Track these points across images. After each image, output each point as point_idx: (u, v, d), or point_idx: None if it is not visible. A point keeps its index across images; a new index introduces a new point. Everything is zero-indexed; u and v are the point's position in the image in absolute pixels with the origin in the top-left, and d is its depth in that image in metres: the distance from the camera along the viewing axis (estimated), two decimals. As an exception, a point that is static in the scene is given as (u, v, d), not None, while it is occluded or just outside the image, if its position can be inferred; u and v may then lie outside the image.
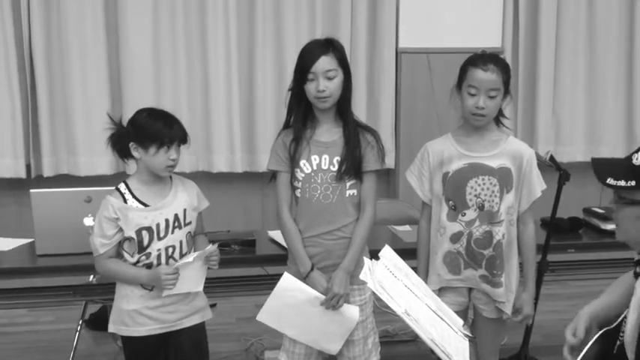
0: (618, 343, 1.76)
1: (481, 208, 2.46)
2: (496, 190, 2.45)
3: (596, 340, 1.82)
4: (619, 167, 1.71)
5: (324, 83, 2.34)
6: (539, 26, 4.60)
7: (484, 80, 2.37)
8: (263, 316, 2.42)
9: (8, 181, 4.24)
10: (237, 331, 3.88)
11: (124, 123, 2.43)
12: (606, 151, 4.78)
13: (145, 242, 2.37)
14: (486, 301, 2.55)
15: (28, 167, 4.24)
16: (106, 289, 3.03)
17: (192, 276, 2.40)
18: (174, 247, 2.41)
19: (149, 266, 2.39)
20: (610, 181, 1.69)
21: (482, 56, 2.42)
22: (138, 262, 2.39)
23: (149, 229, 2.37)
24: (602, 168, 1.74)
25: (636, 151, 1.69)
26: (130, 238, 2.37)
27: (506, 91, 2.44)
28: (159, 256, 2.39)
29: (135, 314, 2.42)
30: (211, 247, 2.41)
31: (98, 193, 2.77)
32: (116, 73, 4.28)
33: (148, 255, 2.39)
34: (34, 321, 4.06)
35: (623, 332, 1.74)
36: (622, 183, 1.67)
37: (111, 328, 2.48)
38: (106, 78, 4.25)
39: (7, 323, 4.01)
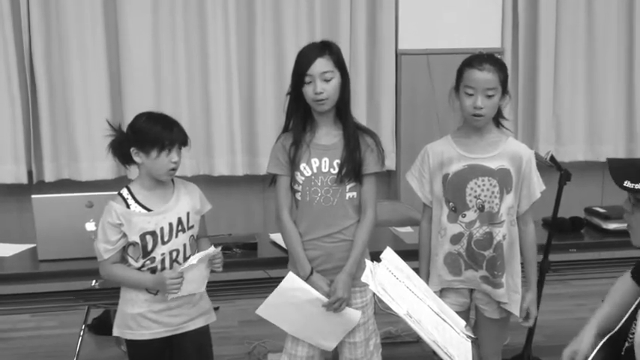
0: (627, 345, 1.75)
1: (481, 209, 2.47)
2: (496, 191, 2.45)
3: (601, 347, 1.81)
4: (636, 169, 1.69)
5: (321, 85, 2.34)
6: (538, 26, 4.60)
7: (480, 80, 2.38)
8: (263, 310, 2.43)
9: (10, 187, 4.24)
10: (239, 334, 3.88)
11: (124, 129, 2.43)
12: (607, 150, 4.78)
13: (149, 247, 2.38)
14: (488, 301, 2.55)
15: (29, 173, 4.25)
16: (109, 293, 3.04)
17: (195, 278, 2.40)
18: (178, 250, 2.41)
19: (154, 270, 2.39)
20: (627, 184, 1.67)
21: (477, 57, 2.43)
22: (142, 266, 2.40)
23: (153, 233, 2.37)
24: (619, 170, 1.71)
25: None
26: (134, 243, 2.37)
27: (504, 91, 2.45)
28: (163, 260, 2.40)
29: (140, 318, 2.42)
30: (214, 249, 2.41)
31: (99, 198, 2.78)
32: (116, 78, 4.28)
33: (153, 259, 2.39)
34: (36, 326, 4.06)
35: (632, 334, 1.73)
36: None
37: (115, 332, 2.48)
38: (106, 83, 4.26)
39: (10, 329, 4.01)
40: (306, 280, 2.41)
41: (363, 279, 1.81)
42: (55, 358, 3.68)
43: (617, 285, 1.99)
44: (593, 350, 1.81)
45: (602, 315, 1.94)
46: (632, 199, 1.73)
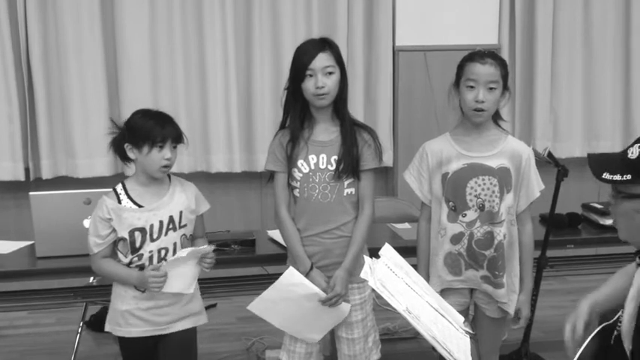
0: (615, 333, 1.77)
1: (481, 208, 2.45)
2: (496, 190, 2.44)
3: (595, 335, 1.82)
4: (614, 162, 1.71)
5: (323, 79, 2.34)
6: (535, 22, 4.61)
7: (483, 73, 2.37)
8: (255, 305, 2.42)
9: (7, 184, 4.23)
10: (237, 331, 3.88)
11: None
12: (604, 145, 4.78)
13: (138, 243, 2.37)
14: (489, 301, 2.54)
15: (26, 170, 4.24)
16: (107, 290, 3.02)
17: (183, 274, 2.38)
18: (167, 249, 2.41)
19: (142, 267, 2.39)
20: (606, 175, 1.70)
21: (478, 52, 2.42)
22: (130, 262, 2.39)
23: (142, 229, 2.37)
24: (598, 163, 1.74)
25: (631, 145, 1.69)
26: (123, 239, 2.37)
27: (505, 87, 2.44)
28: (151, 258, 2.39)
29: (127, 315, 2.42)
30: (207, 247, 2.40)
31: (97, 194, 2.76)
32: (113, 75, 4.27)
33: (140, 256, 2.39)
34: (34, 323, 4.06)
35: (620, 322, 1.75)
36: (617, 177, 1.68)
37: (107, 328, 2.50)
38: (103, 80, 4.25)
39: (8, 326, 4.01)
40: (306, 276, 2.41)
41: (362, 275, 1.81)
42: (52, 355, 3.67)
43: (620, 271, 2.00)
44: (586, 340, 1.82)
45: (600, 293, 1.94)
46: (613, 192, 1.75)
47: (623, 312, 1.74)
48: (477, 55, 2.40)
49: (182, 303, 2.46)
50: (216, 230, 3.14)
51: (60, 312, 3.90)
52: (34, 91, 4.17)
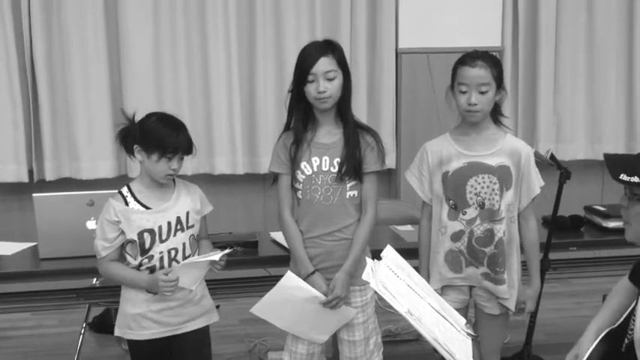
0: (626, 341, 1.76)
1: (481, 206, 2.47)
2: (496, 188, 2.46)
3: (600, 340, 1.82)
4: (632, 164, 1.71)
5: (324, 84, 2.34)
6: (538, 25, 4.61)
7: (473, 76, 2.39)
8: (258, 309, 2.42)
9: (11, 185, 4.25)
10: (240, 333, 3.88)
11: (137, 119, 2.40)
12: (607, 148, 4.78)
13: (147, 245, 2.37)
14: (488, 298, 2.56)
15: (30, 172, 4.26)
16: (110, 291, 3.04)
17: (191, 272, 2.39)
18: (176, 249, 2.41)
19: (152, 269, 2.39)
20: (623, 177, 1.69)
21: (470, 54, 2.45)
22: (140, 265, 2.39)
23: (151, 231, 2.37)
24: (615, 164, 1.73)
25: None
26: (132, 241, 2.37)
27: (500, 86, 2.45)
28: (161, 259, 2.39)
29: (139, 318, 2.42)
30: (226, 250, 2.40)
31: (101, 196, 2.78)
32: (117, 78, 4.29)
33: (151, 258, 2.39)
34: (37, 325, 4.06)
35: (631, 330, 1.74)
36: (635, 179, 1.67)
37: (117, 332, 2.48)
38: (107, 82, 4.26)
39: (11, 327, 4.02)
40: (306, 278, 2.42)
41: (364, 277, 1.82)
42: (55, 357, 3.68)
43: (615, 289, 2.00)
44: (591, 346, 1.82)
45: (601, 319, 1.94)
46: (628, 193, 1.75)
47: (633, 318, 1.74)
48: (468, 57, 2.43)
49: (194, 302, 2.46)
50: (219, 232, 3.15)
51: (63, 313, 3.91)
52: (37, 94, 4.19)
